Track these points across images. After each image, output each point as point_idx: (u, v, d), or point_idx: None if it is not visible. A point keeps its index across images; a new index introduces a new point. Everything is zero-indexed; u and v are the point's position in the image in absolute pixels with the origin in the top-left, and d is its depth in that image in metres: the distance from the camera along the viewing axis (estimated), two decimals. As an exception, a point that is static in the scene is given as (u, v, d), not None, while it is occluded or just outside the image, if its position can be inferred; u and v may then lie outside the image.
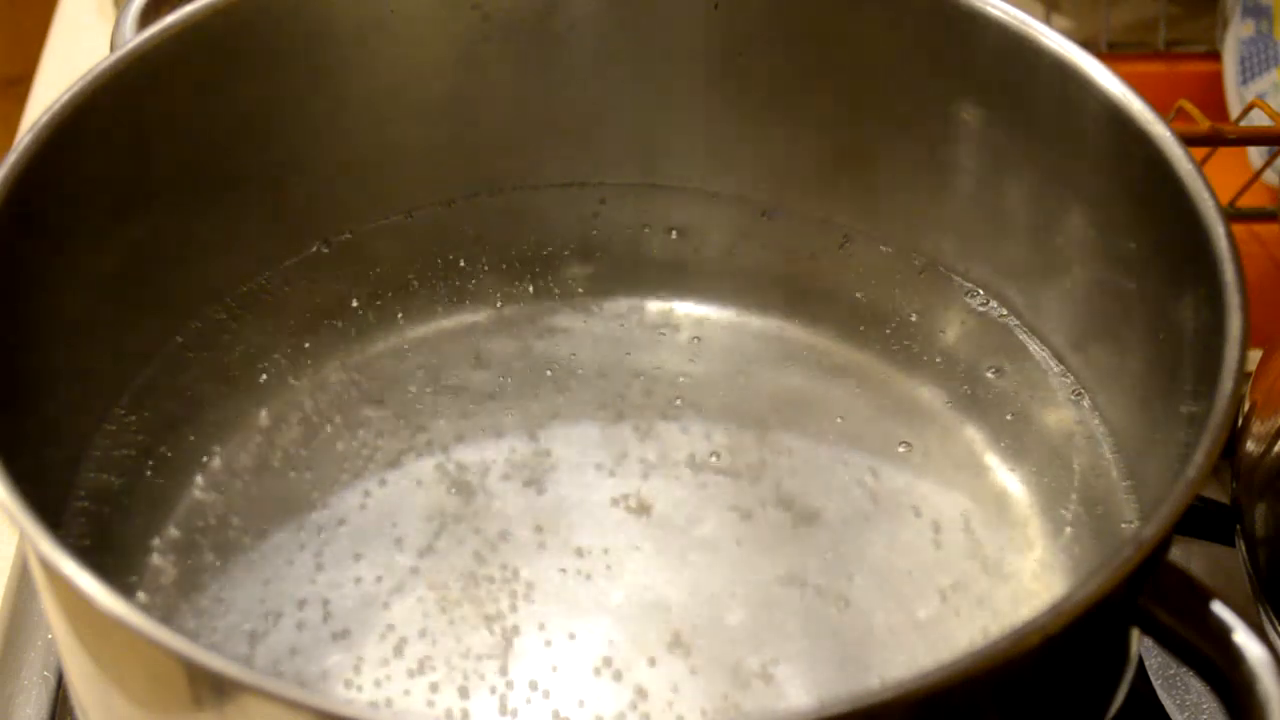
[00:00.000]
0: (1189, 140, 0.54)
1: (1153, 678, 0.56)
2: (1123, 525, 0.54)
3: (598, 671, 0.50)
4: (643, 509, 0.55)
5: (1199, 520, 0.57)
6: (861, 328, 0.60)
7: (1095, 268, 0.56)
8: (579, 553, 0.53)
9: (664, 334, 0.60)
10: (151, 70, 0.54)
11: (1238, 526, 0.54)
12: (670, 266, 0.62)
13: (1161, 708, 0.55)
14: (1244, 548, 0.53)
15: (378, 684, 0.50)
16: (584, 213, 0.63)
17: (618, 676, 0.50)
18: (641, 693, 0.50)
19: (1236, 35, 0.79)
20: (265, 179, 0.59)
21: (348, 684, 0.50)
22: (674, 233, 0.63)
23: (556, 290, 0.61)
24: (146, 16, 0.57)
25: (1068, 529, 0.54)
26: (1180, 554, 0.47)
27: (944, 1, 0.56)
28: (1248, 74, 0.78)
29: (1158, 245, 0.52)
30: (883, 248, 0.62)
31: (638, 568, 0.53)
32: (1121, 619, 0.44)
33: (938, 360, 0.59)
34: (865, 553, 0.54)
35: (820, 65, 0.60)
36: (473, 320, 0.60)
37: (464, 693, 0.50)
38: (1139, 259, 0.54)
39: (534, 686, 0.50)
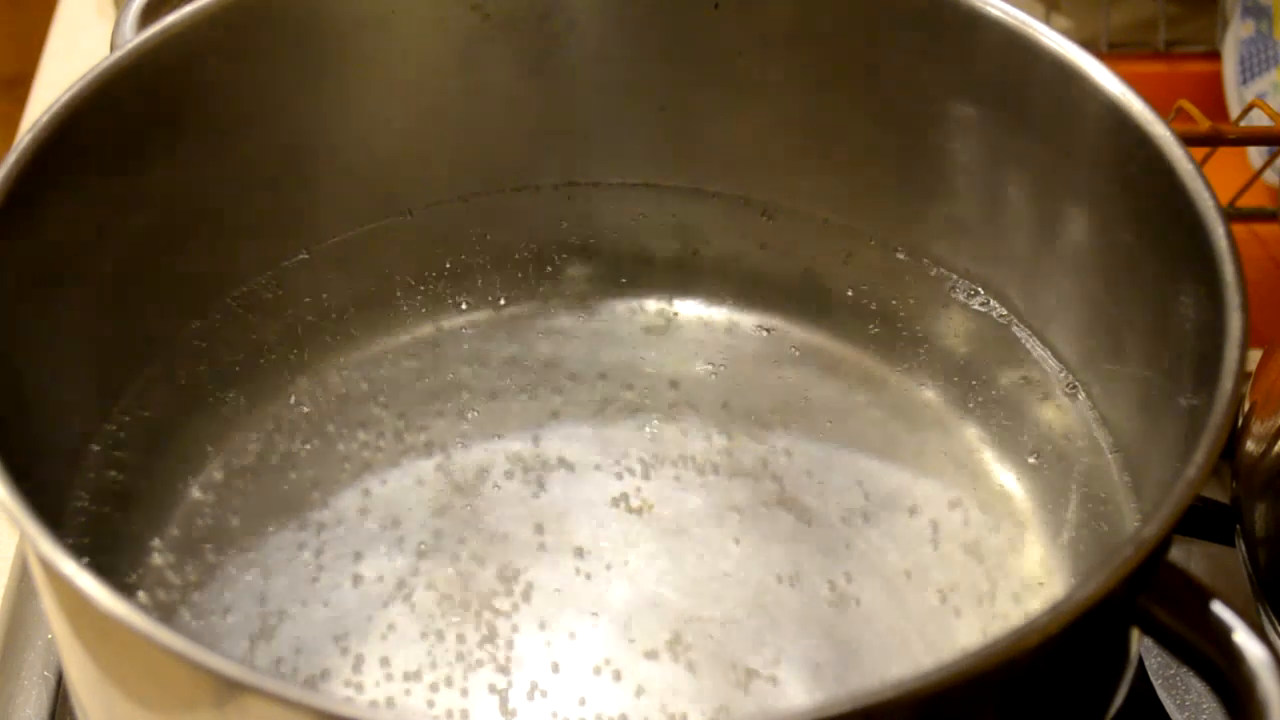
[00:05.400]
0: (1189, 140, 0.54)
1: (1153, 678, 0.56)
2: (1123, 525, 0.54)
3: (598, 671, 0.51)
4: (643, 509, 0.55)
5: (1199, 520, 0.57)
6: (861, 327, 0.60)
7: (1095, 267, 0.56)
8: (579, 553, 0.53)
9: (664, 334, 0.60)
10: (151, 70, 0.54)
11: (1238, 526, 0.54)
12: (670, 266, 0.62)
13: (1161, 708, 0.55)
14: (1244, 548, 0.53)
15: (378, 684, 0.50)
16: (584, 213, 0.63)
17: (618, 676, 0.50)
18: (641, 692, 0.50)
19: (1236, 35, 0.79)
20: (265, 179, 0.59)
21: (348, 684, 0.50)
22: (674, 233, 0.63)
23: (556, 290, 0.61)
24: (146, 16, 0.57)
25: (1068, 529, 0.54)
26: (1180, 554, 0.47)
27: (944, 1, 0.56)
28: (1248, 74, 0.78)
29: (1158, 245, 0.52)
30: (882, 247, 0.62)
31: (638, 568, 0.53)
32: (1121, 619, 0.44)
33: (937, 360, 0.59)
34: (865, 553, 0.54)
35: (820, 65, 0.60)
36: (473, 320, 0.60)
37: (464, 693, 0.50)
38: (1139, 259, 0.54)
39: (534, 686, 0.50)
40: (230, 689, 0.39)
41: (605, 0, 0.60)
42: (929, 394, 0.58)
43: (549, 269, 0.62)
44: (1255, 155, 0.77)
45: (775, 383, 0.59)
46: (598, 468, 0.56)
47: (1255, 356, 0.59)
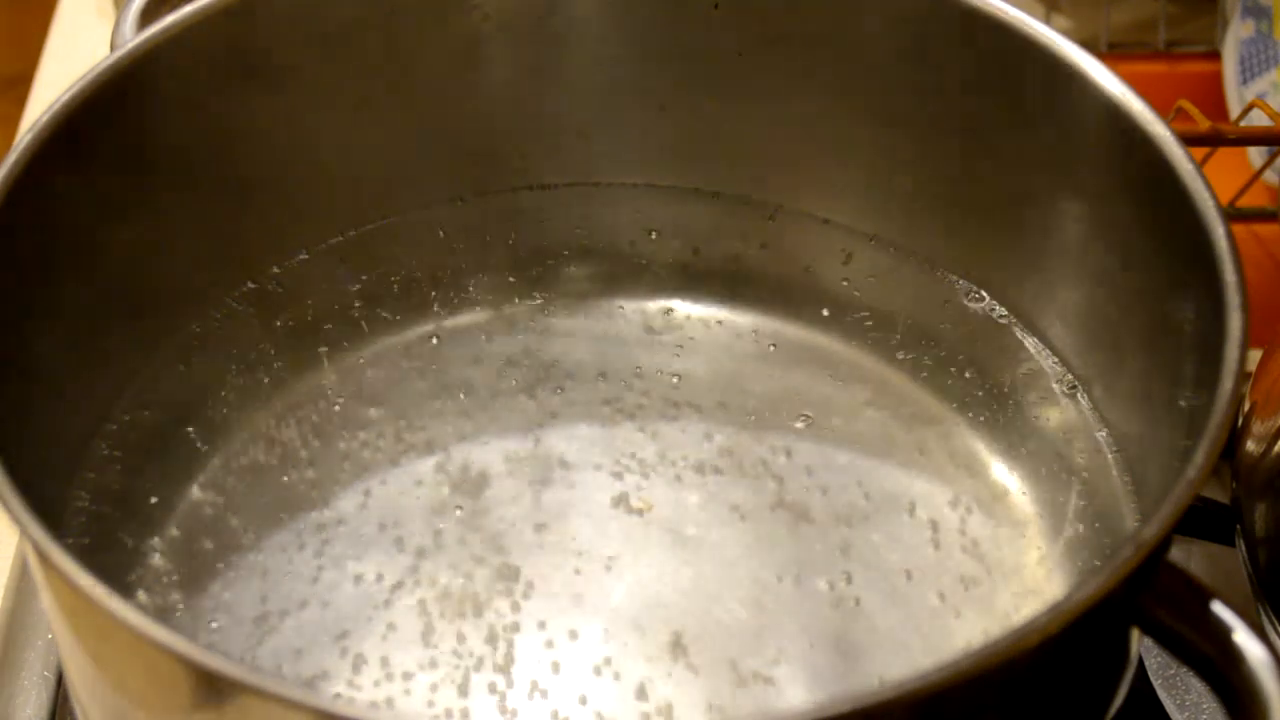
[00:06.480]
0: (1189, 140, 0.54)
1: (1153, 678, 0.56)
2: (1123, 525, 0.54)
3: (598, 671, 0.50)
4: (643, 509, 0.55)
5: (1199, 520, 0.57)
6: (862, 328, 0.60)
7: (1095, 268, 0.56)
8: (579, 553, 0.53)
9: (664, 334, 0.60)
10: (151, 70, 0.54)
11: (1238, 526, 0.54)
12: (670, 266, 0.62)
13: (1161, 708, 0.55)
14: (1244, 548, 0.53)
15: (378, 684, 0.50)
16: (584, 213, 0.63)
17: (618, 676, 0.50)
18: (641, 692, 0.50)
19: (1236, 35, 0.79)
20: (265, 178, 0.59)
21: (348, 684, 0.50)
22: (674, 233, 0.63)
23: (556, 290, 0.61)
24: (146, 16, 0.57)
25: (1067, 529, 0.54)
26: (1180, 554, 0.47)
27: (944, 1, 0.56)
28: (1248, 74, 0.78)
29: (1158, 245, 0.52)
30: (882, 247, 0.62)
31: (638, 568, 0.53)
32: (1121, 619, 0.44)
33: (937, 360, 0.59)
34: (865, 553, 0.54)
35: (820, 65, 0.60)
36: (473, 320, 0.60)
37: (464, 693, 0.50)
38: (1139, 259, 0.54)
39: (534, 686, 0.50)
40: (230, 689, 0.39)
41: (605, 0, 0.60)
42: (929, 394, 0.58)
43: (549, 269, 0.62)
44: (1255, 155, 0.77)
45: (775, 383, 0.59)
46: (598, 468, 0.56)
47: (1255, 356, 0.59)
